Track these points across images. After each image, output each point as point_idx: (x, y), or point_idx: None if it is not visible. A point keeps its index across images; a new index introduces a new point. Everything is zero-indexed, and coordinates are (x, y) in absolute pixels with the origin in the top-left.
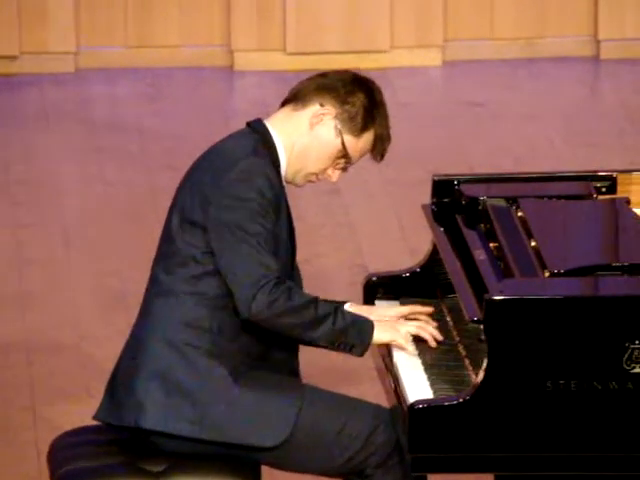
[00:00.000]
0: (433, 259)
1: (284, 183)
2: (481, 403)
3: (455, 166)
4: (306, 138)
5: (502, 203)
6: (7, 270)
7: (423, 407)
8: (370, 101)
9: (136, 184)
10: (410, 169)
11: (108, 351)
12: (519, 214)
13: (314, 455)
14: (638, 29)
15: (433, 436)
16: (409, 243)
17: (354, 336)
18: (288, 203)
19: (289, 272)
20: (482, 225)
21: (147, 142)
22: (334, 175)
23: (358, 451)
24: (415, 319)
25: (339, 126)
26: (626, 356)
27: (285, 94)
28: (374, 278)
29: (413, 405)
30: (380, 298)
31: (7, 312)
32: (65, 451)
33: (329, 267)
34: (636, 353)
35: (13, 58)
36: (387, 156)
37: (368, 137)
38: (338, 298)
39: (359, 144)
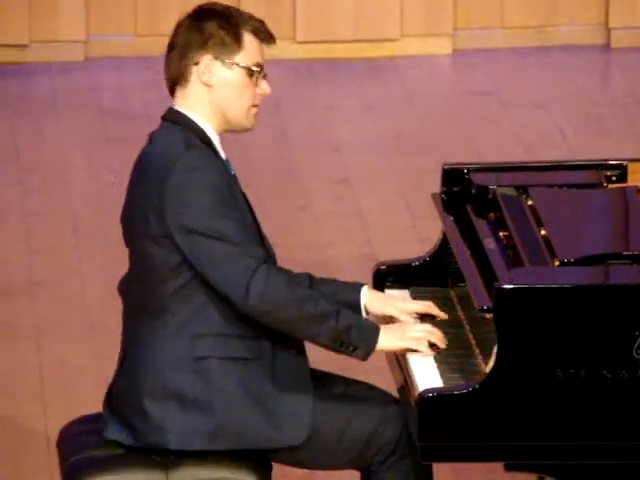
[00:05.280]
0: (443, 248)
1: (224, 156)
2: (491, 392)
3: (465, 155)
4: (215, 95)
5: (512, 192)
6: (16, 258)
7: (433, 396)
8: (218, 17)
9: None
10: (420, 158)
11: (118, 340)
12: (529, 203)
13: (320, 456)
14: None
15: (443, 425)
16: (419, 232)
17: (358, 337)
18: (237, 180)
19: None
20: (492, 214)
21: None
22: (264, 88)
23: (361, 451)
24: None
25: (225, 60)
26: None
27: (296, 83)
28: (383, 267)
29: (423, 394)
30: (390, 287)
31: (17, 300)
32: (74, 440)
33: (338, 256)
34: None
35: (23, 47)
36: (396, 144)
37: (248, 38)
38: None
39: (249, 50)
